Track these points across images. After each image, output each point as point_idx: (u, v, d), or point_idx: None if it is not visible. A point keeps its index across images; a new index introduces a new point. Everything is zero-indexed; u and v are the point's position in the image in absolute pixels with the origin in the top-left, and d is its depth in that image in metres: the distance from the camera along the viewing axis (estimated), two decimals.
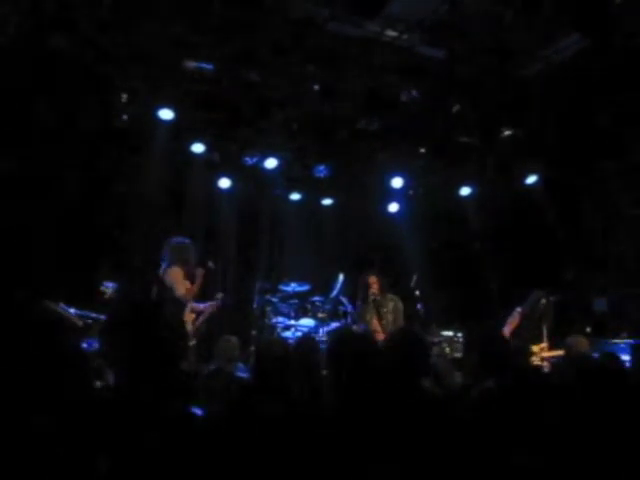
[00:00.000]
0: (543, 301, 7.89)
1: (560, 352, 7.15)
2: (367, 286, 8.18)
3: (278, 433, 2.55)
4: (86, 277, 7.80)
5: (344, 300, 9.00)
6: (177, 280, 6.93)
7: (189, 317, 7.11)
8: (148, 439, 2.11)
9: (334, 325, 8.81)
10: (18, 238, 7.61)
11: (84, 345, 5.60)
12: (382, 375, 2.97)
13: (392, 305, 8.19)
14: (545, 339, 7.74)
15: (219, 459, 2.33)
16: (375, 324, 8.04)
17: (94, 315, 6.63)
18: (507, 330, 7.79)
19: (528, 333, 7.81)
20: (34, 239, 7.88)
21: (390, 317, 8.12)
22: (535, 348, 7.66)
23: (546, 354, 7.64)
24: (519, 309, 7.96)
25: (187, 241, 7.32)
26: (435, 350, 8.96)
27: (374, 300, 8.12)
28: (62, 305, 6.30)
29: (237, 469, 2.37)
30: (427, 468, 2.44)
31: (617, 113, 8.08)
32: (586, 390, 2.50)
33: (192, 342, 6.98)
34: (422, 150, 9.67)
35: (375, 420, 2.60)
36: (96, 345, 5.97)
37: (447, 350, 9.07)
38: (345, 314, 8.91)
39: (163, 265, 7.08)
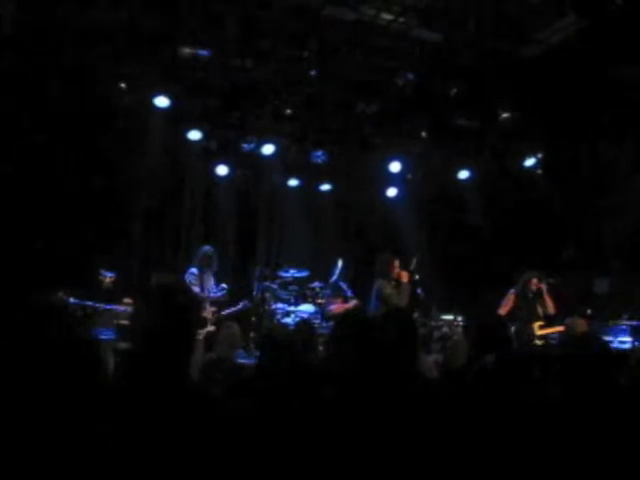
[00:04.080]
0: (534, 281, 7.92)
1: (559, 328, 7.24)
2: (391, 266, 7.97)
3: (280, 420, 2.55)
4: (85, 265, 7.85)
5: (343, 285, 9.00)
6: None
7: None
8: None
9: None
10: (19, 228, 7.70)
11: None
12: (384, 356, 2.98)
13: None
14: (542, 318, 7.82)
15: None
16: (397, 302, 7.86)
17: (90, 303, 6.84)
18: (502, 311, 7.83)
19: (523, 313, 7.87)
20: (34, 229, 7.94)
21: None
22: (533, 327, 7.74)
23: (543, 331, 7.72)
24: (512, 290, 8.01)
25: None
26: (436, 334, 9.00)
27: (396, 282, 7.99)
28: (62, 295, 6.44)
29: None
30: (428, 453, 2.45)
31: (615, 93, 8.06)
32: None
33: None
34: (420, 134, 9.63)
35: (376, 404, 2.61)
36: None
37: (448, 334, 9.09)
38: (346, 298, 8.90)
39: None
